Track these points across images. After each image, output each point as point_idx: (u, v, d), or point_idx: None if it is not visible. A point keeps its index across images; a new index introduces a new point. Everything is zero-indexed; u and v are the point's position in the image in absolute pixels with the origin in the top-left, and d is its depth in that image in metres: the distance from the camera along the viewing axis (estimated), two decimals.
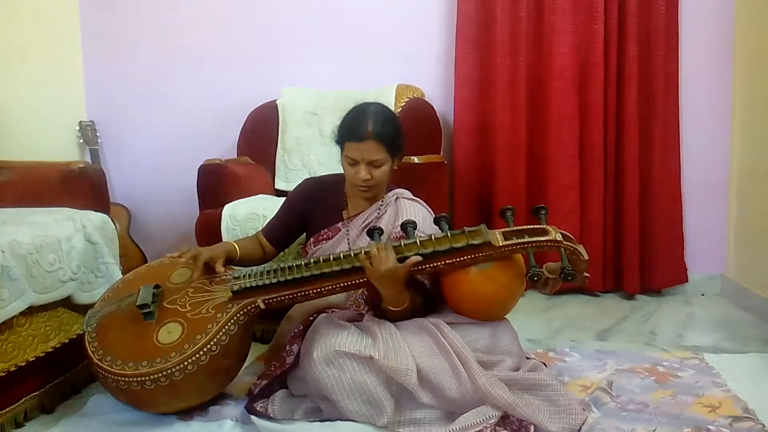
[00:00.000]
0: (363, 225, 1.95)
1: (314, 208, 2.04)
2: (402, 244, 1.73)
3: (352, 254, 1.74)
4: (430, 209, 2.00)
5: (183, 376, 1.64)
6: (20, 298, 1.71)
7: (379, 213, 1.96)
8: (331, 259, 1.75)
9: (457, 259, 1.73)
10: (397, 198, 1.98)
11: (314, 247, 2.00)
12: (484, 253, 1.72)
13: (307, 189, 2.08)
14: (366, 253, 1.70)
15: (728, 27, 2.95)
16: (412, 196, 2.01)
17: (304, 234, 2.09)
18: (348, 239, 1.95)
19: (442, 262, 1.73)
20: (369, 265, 1.69)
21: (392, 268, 1.68)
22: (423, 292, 1.89)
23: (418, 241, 1.73)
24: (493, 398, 1.63)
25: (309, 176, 2.42)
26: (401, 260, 1.70)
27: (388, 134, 1.87)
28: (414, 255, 1.70)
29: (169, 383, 1.64)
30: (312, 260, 1.77)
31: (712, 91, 2.99)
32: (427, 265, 1.73)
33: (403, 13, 3.10)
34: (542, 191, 2.98)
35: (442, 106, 3.04)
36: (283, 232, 2.07)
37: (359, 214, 1.98)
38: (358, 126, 1.87)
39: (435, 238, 1.74)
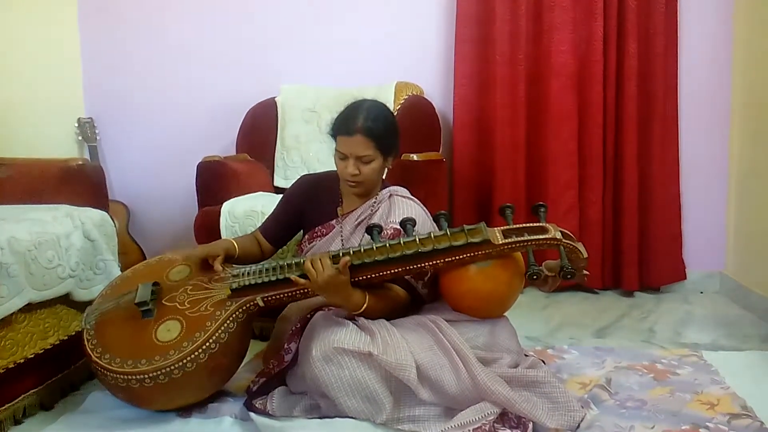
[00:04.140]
0: (356, 222, 1.95)
1: (310, 204, 2.03)
2: (401, 242, 1.72)
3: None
4: (425, 208, 1.98)
5: (182, 374, 1.64)
6: (19, 295, 1.71)
7: (372, 210, 1.95)
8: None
9: (457, 258, 1.72)
10: (391, 195, 1.97)
11: (309, 244, 2.00)
12: (483, 252, 1.72)
13: (303, 186, 2.07)
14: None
15: (728, 25, 2.95)
16: (407, 194, 1.99)
17: (302, 231, 2.08)
18: (341, 236, 1.95)
19: (442, 261, 1.72)
20: (312, 278, 1.68)
21: (330, 276, 1.67)
22: (408, 290, 1.89)
23: (417, 239, 1.72)
24: (492, 394, 1.63)
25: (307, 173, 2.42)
26: (403, 258, 1.69)
27: (378, 130, 1.85)
28: (345, 256, 1.69)
29: (168, 381, 1.64)
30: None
31: (711, 88, 2.98)
32: (427, 263, 1.72)
33: (403, 10, 3.09)
34: (541, 189, 2.98)
35: (441, 104, 3.03)
36: (280, 229, 2.06)
37: (353, 211, 1.97)
38: (348, 120, 1.86)
39: (434, 236, 1.73)
